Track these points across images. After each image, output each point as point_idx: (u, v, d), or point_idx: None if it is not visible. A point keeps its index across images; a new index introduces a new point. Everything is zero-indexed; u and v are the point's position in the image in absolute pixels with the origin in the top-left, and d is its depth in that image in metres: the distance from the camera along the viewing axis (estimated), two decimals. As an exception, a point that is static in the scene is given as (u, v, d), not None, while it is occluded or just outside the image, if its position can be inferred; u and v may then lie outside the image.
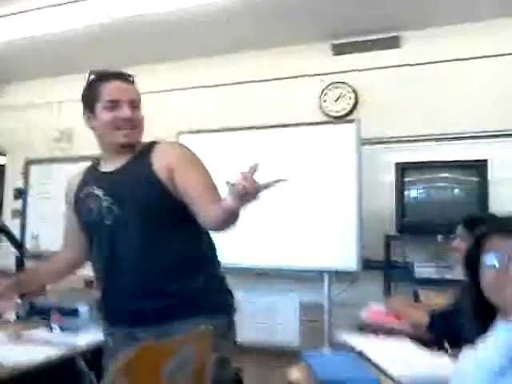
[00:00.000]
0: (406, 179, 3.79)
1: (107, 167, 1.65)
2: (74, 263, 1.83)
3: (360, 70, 4.26)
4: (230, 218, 1.37)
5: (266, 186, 1.26)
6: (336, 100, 4.32)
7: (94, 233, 1.63)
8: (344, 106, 4.29)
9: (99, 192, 1.59)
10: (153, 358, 1.00)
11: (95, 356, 2.04)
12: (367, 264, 3.74)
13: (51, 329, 1.91)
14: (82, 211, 1.65)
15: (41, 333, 1.88)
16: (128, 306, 1.54)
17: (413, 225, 3.74)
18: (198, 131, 4.27)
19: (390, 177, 3.89)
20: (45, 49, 4.61)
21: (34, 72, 5.21)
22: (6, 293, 1.74)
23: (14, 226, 5.00)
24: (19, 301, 2.20)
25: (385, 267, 3.90)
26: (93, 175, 1.69)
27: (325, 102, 4.36)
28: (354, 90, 4.27)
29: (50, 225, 5.31)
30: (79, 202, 1.67)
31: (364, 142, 3.84)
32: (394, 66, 4.17)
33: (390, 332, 2.09)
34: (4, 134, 5.67)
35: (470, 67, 3.96)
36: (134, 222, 1.52)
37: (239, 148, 4.04)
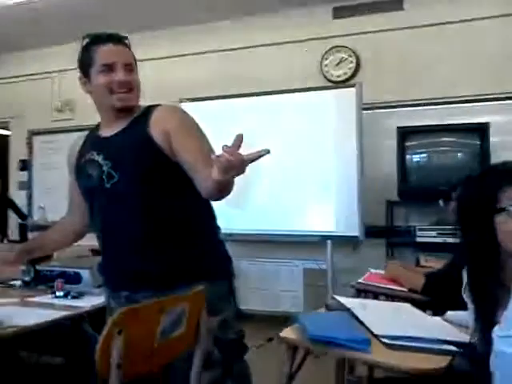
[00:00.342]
0: (408, 144, 3.77)
1: (106, 132, 1.64)
2: (78, 230, 1.84)
3: (362, 33, 4.18)
4: (220, 189, 1.36)
5: (252, 159, 1.23)
6: (337, 64, 4.26)
7: (94, 198, 1.63)
8: (345, 70, 4.23)
9: (99, 157, 1.58)
10: (147, 314, 1.03)
11: (100, 320, 2.11)
12: (369, 230, 3.76)
13: (55, 294, 1.95)
14: (83, 177, 1.65)
15: (45, 297, 1.93)
16: (128, 271, 1.55)
17: (415, 190, 3.73)
18: (199, 98, 4.24)
19: (392, 142, 3.87)
20: (43, 17, 4.56)
21: (33, 42, 5.16)
22: (15, 260, 1.78)
23: (20, 198, 5.07)
24: (24, 267, 2.25)
25: (387, 233, 3.92)
26: (92, 140, 1.68)
27: (326, 66, 4.30)
28: (355, 54, 4.21)
29: (55, 196, 5.36)
30: (80, 169, 1.67)
31: (365, 106, 3.80)
32: (396, 29, 4.09)
33: (387, 295, 2.11)
34: (6, 105, 5.67)
35: (474, 30, 3.87)
36: (132, 186, 1.53)
37: (240, 114, 4.01)
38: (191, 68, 4.82)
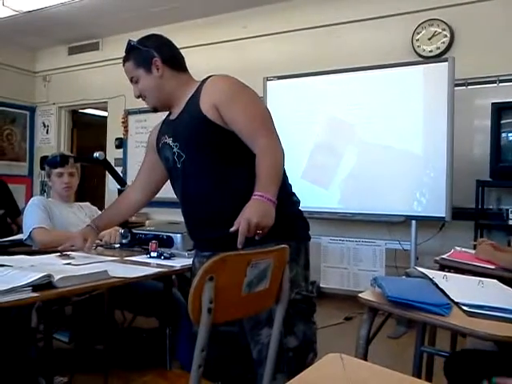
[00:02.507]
0: (503, 121, 3.55)
1: (173, 115, 1.78)
2: (140, 204, 2.05)
3: (456, 5, 3.98)
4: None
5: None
6: (430, 39, 4.09)
7: (173, 177, 1.79)
8: (438, 45, 4.06)
9: (169, 140, 1.73)
10: (235, 264, 1.12)
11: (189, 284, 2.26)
12: (458, 211, 3.62)
13: (150, 254, 2.12)
14: (163, 160, 1.82)
15: (141, 257, 2.10)
16: (208, 236, 1.68)
17: (508, 170, 3.52)
18: (285, 76, 4.26)
19: (486, 119, 3.67)
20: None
21: (130, 25, 5.45)
22: (89, 248, 1.95)
23: (116, 174, 5.44)
24: (122, 230, 2.47)
25: (476, 215, 3.75)
26: (166, 124, 1.84)
27: (417, 41, 4.15)
28: (449, 28, 4.01)
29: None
30: (160, 152, 1.83)
31: (458, 82, 3.64)
32: (492, 0, 3.84)
33: (473, 272, 2.03)
34: (104, 86, 6.09)
35: None
36: (198, 162, 1.64)
37: (328, 92, 4.00)
38: (278, 46, 4.86)
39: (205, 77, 1.71)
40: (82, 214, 2.69)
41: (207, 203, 1.66)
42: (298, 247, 1.66)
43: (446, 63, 3.55)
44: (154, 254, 2.12)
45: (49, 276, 1.33)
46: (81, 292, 1.59)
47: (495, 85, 3.79)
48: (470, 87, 3.86)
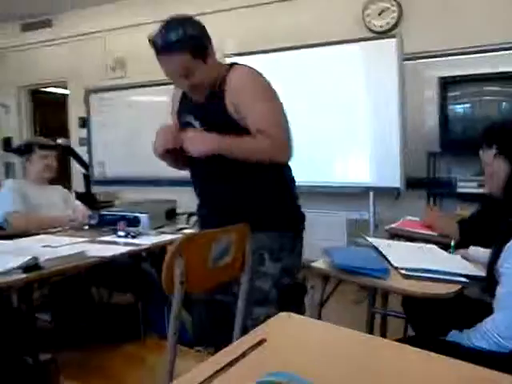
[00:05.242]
0: (450, 94, 3.75)
1: (200, 97, 1.75)
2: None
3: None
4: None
5: None
6: (380, 14, 4.23)
7: (194, 158, 1.81)
8: (388, 20, 4.19)
9: (195, 123, 1.78)
10: (201, 241, 1.28)
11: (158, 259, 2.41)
12: (411, 181, 3.82)
13: (117, 234, 2.24)
14: None
15: (109, 237, 2.22)
16: (212, 220, 1.74)
17: (457, 141, 3.73)
18: (243, 53, 4.29)
19: (434, 92, 3.86)
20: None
21: (86, 1, 5.36)
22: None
23: (81, 154, 5.41)
24: (91, 212, 2.57)
25: (428, 184, 3.97)
26: (188, 103, 1.81)
27: (368, 16, 4.28)
28: (397, 3, 4.15)
29: (113, 152, 5.71)
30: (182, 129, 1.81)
31: (407, 57, 3.79)
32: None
33: (417, 239, 2.24)
34: (64, 65, 5.98)
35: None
36: None
37: (279, 68, 4.04)
38: (232, 23, 4.84)
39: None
40: (56, 197, 2.78)
41: (223, 186, 1.75)
42: (296, 237, 1.82)
43: (395, 39, 3.69)
44: (121, 234, 2.24)
45: (36, 258, 1.45)
46: (65, 272, 1.71)
47: (442, 58, 3.96)
48: (419, 61, 4.02)
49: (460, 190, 3.75)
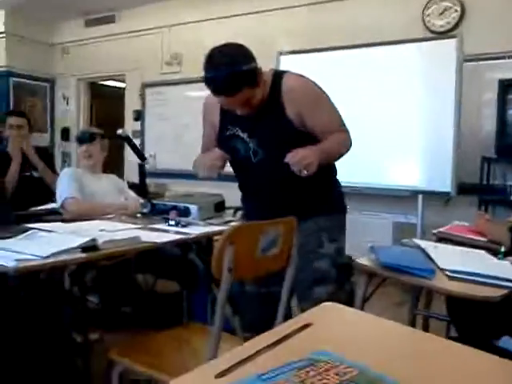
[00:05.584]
0: (510, 97, 3.63)
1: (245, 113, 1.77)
2: None
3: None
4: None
5: None
6: (440, 14, 4.14)
7: (240, 167, 1.94)
8: (449, 19, 4.09)
9: (244, 135, 1.83)
10: (251, 232, 1.33)
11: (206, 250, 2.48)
12: (463, 186, 3.74)
13: (168, 222, 2.32)
14: (230, 149, 1.88)
15: (160, 225, 2.31)
16: (264, 214, 1.74)
17: (514, 147, 3.60)
18: (299, 51, 4.33)
19: (493, 95, 3.75)
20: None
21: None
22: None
23: (134, 145, 5.60)
24: (143, 201, 2.67)
25: (481, 190, 3.87)
26: (233, 115, 1.79)
27: (428, 16, 4.19)
28: (460, 3, 4.05)
29: (164, 145, 5.91)
30: (226, 139, 1.89)
31: (468, 58, 3.70)
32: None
33: (466, 244, 2.19)
34: (121, 59, 6.21)
35: None
36: (275, 160, 1.74)
37: (336, 67, 4.08)
38: (288, 22, 4.88)
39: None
40: (109, 185, 2.90)
41: (278, 194, 1.85)
42: (344, 219, 1.97)
43: (455, 40, 3.62)
44: (172, 222, 2.32)
45: (94, 240, 1.55)
46: (120, 254, 1.81)
47: (504, 60, 3.84)
48: (479, 62, 3.91)
49: (515, 199, 3.63)
